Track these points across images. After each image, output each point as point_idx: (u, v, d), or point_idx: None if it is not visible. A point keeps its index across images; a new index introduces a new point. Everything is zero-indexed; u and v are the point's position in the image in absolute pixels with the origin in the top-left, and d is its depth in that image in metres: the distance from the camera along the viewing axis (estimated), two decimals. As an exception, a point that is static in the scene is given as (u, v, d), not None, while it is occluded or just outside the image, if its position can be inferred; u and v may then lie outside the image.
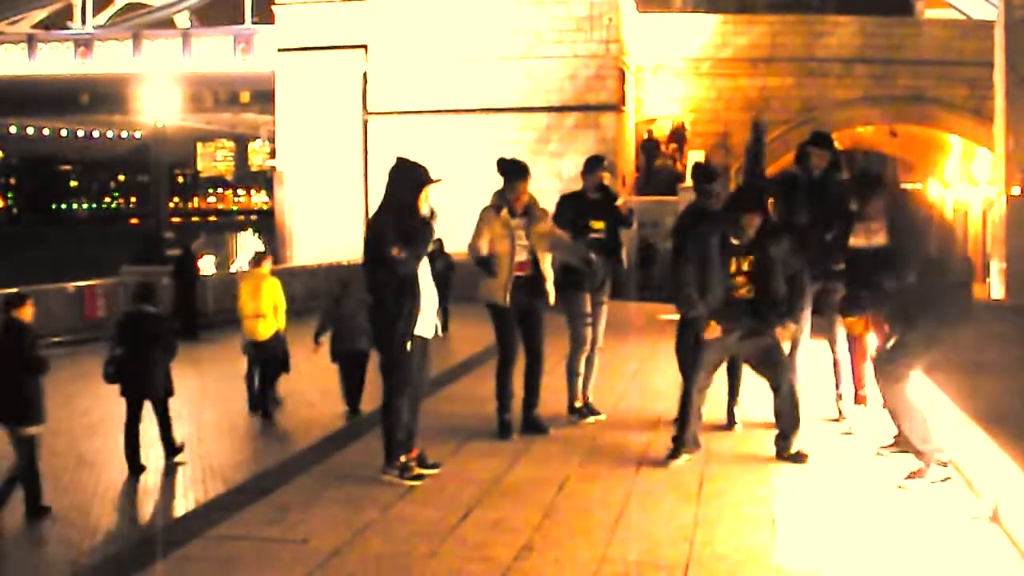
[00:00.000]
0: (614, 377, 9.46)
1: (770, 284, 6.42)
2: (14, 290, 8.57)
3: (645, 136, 30.48)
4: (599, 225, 7.61)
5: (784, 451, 6.55)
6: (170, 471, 8.94)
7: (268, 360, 10.87)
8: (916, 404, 5.92)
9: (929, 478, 5.84)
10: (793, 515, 5.44)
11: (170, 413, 8.92)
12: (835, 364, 7.60)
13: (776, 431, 6.66)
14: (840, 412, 7.61)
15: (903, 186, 6.34)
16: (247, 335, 10.81)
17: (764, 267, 6.41)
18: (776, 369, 6.58)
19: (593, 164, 7.82)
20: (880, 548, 4.94)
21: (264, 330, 10.69)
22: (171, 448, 8.97)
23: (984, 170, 29.86)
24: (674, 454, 6.52)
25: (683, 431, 6.57)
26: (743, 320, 6.47)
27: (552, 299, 7.30)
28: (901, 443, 6.40)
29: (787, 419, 6.56)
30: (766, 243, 6.40)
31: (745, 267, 6.44)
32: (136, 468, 8.64)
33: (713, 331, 6.41)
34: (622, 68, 29.28)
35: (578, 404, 7.77)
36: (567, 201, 7.79)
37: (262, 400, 10.89)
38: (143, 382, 8.61)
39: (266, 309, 10.72)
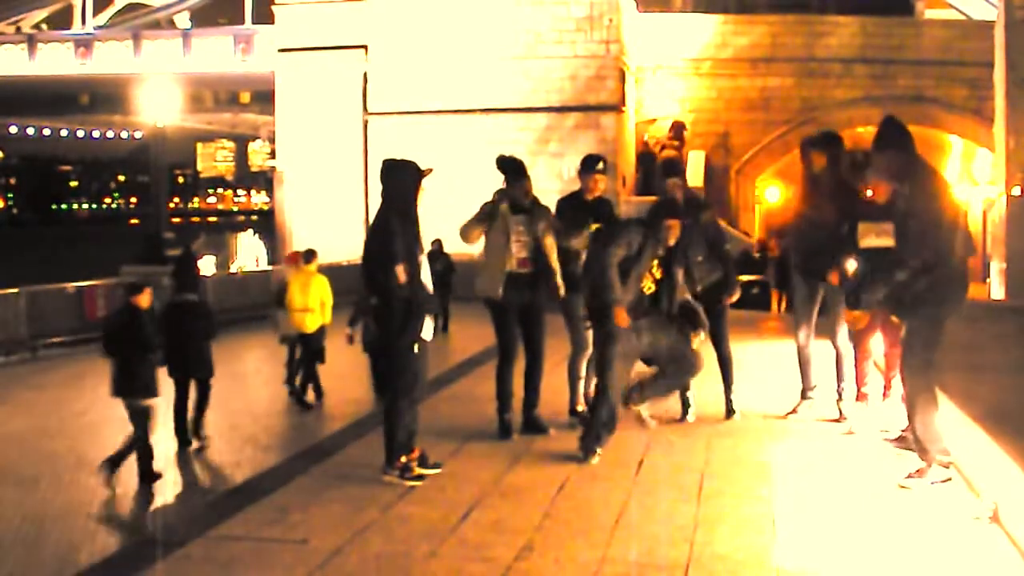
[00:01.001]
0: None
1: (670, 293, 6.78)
2: (135, 280, 10.00)
3: (643, 140, 30.48)
4: (594, 228, 7.61)
5: (588, 450, 6.68)
6: (186, 458, 9.12)
7: (314, 351, 11.43)
8: (935, 401, 5.92)
9: (930, 478, 5.84)
10: (793, 515, 5.44)
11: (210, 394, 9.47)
12: (837, 360, 7.60)
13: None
14: (841, 412, 7.61)
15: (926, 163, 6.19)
16: (295, 327, 11.34)
17: (669, 276, 6.77)
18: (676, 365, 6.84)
19: (589, 163, 7.79)
20: (880, 548, 4.93)
21: (311, 323, 11.30)
22: (197, 429, 9.48)
23: (984, 170, 29.85)
24: (588, 454, 6.65)
25: (594, 431, 6.72)
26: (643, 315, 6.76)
27: (562, 291, 7.32)
28: (907, 440, 6.41)
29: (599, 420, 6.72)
30: (676, 256, 6.76)
31: (656, 271, 6.73)
32: (185, 443, 9.40)
33: (623, 319, 6.58)
34: (622, 68, 29.28)
35: (580, 408, 7.76)
36: (566, 202, 7.79)
37: (305, 388, 11.45)
38: (190, 364, 9.35)
39: (314, 304, 11.31)
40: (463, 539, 5.13)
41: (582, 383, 7.77)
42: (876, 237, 6.21)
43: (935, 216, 5.79)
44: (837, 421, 7.54)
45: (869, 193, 6.62)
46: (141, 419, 8.20)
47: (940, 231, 5.77)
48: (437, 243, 16.67)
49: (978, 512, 5.33)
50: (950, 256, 5.80)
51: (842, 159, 7.48)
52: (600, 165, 7.77)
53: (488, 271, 7.20)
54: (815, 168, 7.40)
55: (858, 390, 7.62)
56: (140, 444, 8.20)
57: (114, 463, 8.17)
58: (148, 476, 8.21)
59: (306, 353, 11.38)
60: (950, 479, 5.86)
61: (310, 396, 11.44)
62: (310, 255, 11.75)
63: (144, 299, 8.41)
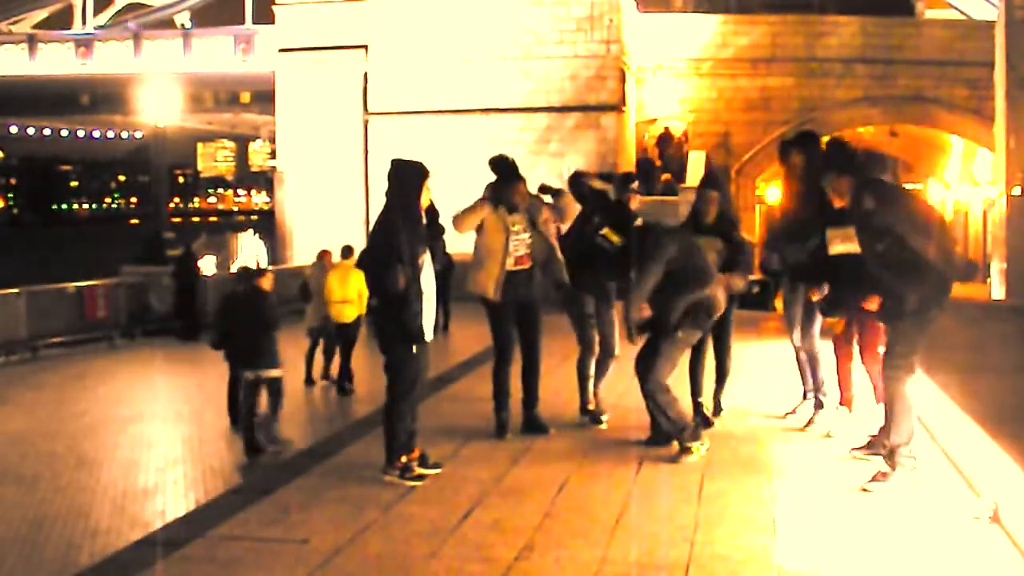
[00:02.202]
0: (614, 377, 9.45)
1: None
2: (260, 266, 11.65)
3: (643, 142, 30.53)
4: (615, 239, 7.61)
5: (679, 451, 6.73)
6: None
7: (350, 340, 12.24)
8: (912, 405, 5.92)
9: (893, 482, 5.83)
10: (793, 515, 5.44)
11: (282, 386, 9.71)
12: (812, 363, 7.64)
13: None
14: (811, 417, 7.58)
15: (899, 185, 6.16)
16: (334, 318, 12.11)
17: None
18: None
19: (624, 180, 8.05)
20: (880, 548, 4.93)
21: (350, 313, 12.11)
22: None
23: (984, 170, 29.84)
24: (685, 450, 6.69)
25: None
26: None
27: (566, 278, 7.34)
28: (874, 445, 6.42)
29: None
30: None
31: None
32: (236, 420, 10.25)
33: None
34: (623, 68, 29.27)
35: (591, 407, 7.76)
36: (596, 199, 7.86)
37: (345, 374, 12.27)
38: (246, 352, 9.85)
39: (352, 295, 12.07)
40: (463, 539, 5.13)
41: (591, 382, 7.77)
42: (842, 243, 6.20)
43: (912, 231, 5.77)
44: (809, 425, 7.50)
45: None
46: (274, 387, 9.26)
47: (918, 245, 5.75)
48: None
49: (978, 512, 5.33)
50: (931, 263, 5.79)
51: (818, 159, 7.50)
52: (634, 184, 8.02)
53: (483, 271, 7.17)
54: (795, 169, 7.40)
55: (842, 395, 7.53)
56: (248, 414, 9.22)
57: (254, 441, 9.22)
58: (251, 447, 9.20)
59: (345, 342, 12.25)
60: (914, 483, 5.86)
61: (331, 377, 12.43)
62: (348, 251, 12.75)
63: (266, 282, 9.57)
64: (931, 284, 5.78)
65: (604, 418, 7.76)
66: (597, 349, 7.75)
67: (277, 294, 12.58)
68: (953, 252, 6.14)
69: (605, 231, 7.51)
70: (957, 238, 33.93)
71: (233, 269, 42.03)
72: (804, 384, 7.81)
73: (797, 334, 7.60)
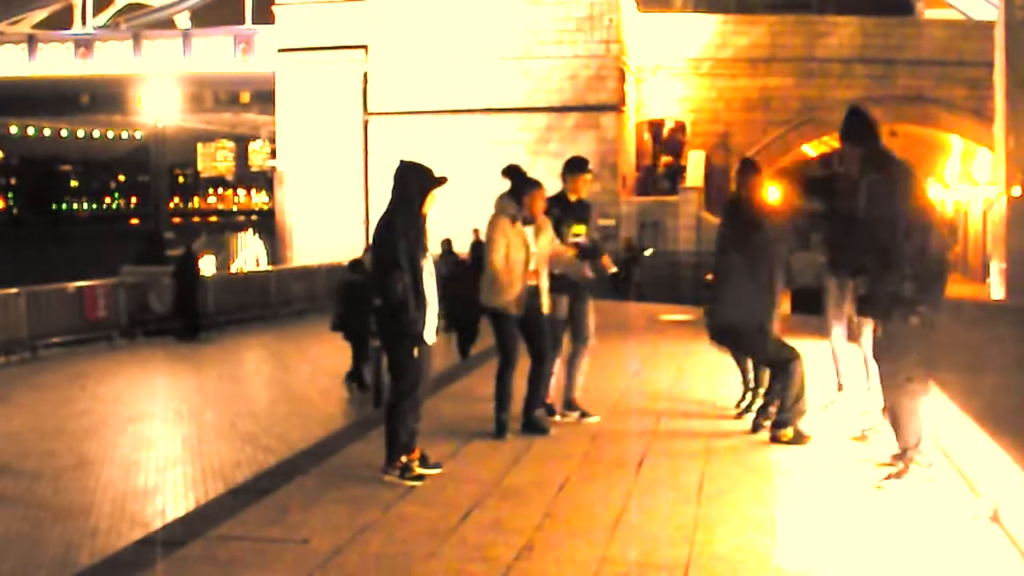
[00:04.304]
0: (614, 377, 9.47)
1: None
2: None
3: (644, 144, 30.65)
4: (580, 229, 7.59)
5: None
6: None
7: None
8: (915, 407, 5.86)
9: (907, 480, 5.82)
10: (794, 516, 5.44)
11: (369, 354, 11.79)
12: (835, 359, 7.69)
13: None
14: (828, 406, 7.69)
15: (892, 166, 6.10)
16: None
17: None
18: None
19: (573, 167, 7.75)
20: (880, 548, 4.93)
21: None
22: (360, 382, 12.42)
23: (984, 170, 29.86)
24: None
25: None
26: None
27: (547, 307, 7.30)
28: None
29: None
30: None
31: None
32: (364, 387, 12.24)
33: None
34: (622, 68, 29.30)
35: (549, 400, 7.77)
36: (551, 202, 7.72)
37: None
38: (359, 328, 11.97)
39: None
40: (463, 539, 5.13)
41: (554, 380, 7.77)
42: None
43: (904, 210, 5.74)
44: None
45: None
46: (379, 354, 10.49)
47: (909, 224, 5.72)
48: (446, 243, 16.66)
49: (978, 512, 5.33)
50: (924, 252, 5.74)
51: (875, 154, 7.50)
52: (587, 166, 7.78)
53: (509, 285, 7.04)
54: (846, 164, 7.37)
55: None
56: (376, 373, 10.95)
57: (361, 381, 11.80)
58: (379, 403, 10.62)
59: None
60: (932, 479, 5.85)
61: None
62: None
63: None
64: (926, 278, 5.75)
65: (593, 419, 7.76)
66: (563, 349, 7.80)
67: (278, 294, 13.19)
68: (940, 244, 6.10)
69: (575, 229, 7.51)
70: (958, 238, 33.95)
71: (233, 269, 42.11)
72: (838, 377, 7.84)
73: (837, 330, 7.64)
